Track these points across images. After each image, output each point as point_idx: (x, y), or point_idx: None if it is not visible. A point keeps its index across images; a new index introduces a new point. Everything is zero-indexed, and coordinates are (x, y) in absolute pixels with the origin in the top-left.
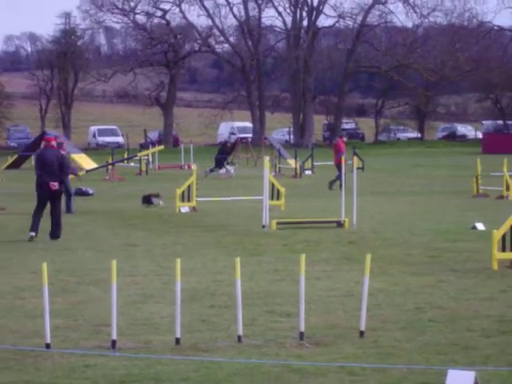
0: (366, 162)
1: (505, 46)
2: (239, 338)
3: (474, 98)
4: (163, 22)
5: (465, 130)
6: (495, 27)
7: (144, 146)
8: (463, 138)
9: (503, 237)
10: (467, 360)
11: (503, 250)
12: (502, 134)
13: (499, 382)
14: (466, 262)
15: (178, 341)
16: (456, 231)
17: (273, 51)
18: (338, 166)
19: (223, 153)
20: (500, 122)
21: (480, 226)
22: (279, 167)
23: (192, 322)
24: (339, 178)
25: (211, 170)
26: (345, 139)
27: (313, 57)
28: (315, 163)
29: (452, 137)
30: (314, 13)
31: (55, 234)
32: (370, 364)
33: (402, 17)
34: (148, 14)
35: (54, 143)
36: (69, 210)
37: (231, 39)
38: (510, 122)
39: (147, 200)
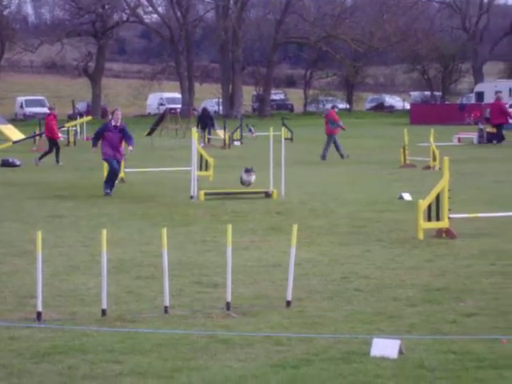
0: (295, 132)
1: (432, 17)
2: (166, 308)
3: (401, 69)
4: None
5: (393, 100)
6: None
7: (72, 117)
8: (391, 109)
9: (429, 207)
10: (392, 329)
11: (429, 219)
12: (430, 104)
13: (423, 349)
14: (392, 232)
15: (104, 312)
16: (383, 201)
17: (202, 22)
18: (329, 135)
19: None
20: (427, 93)
21: (407, 196)
22: (208, 138)
23: (118, 293)
24: (326, 147)
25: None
26: (336, 110)
27: (241, 27)
28: (258, 133)
29: (380, 108)
30: None
31: None
32: (296, 334)
33: None
34: None
35: None
36: None
37: (160, 9)
38: (437, 93)
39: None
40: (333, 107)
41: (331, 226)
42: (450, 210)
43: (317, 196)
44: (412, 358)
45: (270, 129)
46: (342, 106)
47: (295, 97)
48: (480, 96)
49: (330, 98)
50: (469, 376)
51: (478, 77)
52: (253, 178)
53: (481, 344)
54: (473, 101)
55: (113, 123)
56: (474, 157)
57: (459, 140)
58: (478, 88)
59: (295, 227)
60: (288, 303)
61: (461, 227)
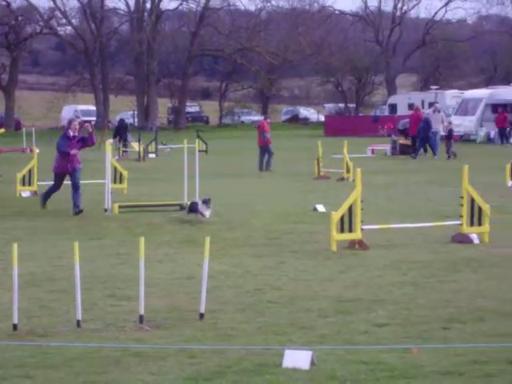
0: (211, 144)
1: (345, 30)
2: (78, 322)
3: (316, 82)
4: (4, 3)
5: (307, 112)
6: (336, 11)
7: None
8: (306, 121)
9: (341, 218)
10: (304, 340)
11: (341, 231)
12: (344, 116)
13: (335, 360)
14: (306, 244)
15: (15, 327)
16: (297, 213)
17: (116, 34)
18: (262, 147)
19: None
20: (341, 105)
21: (320, 208)
22: (123, 150)
23: (30, 307)
24: (260, 159)
25: None
26: (269, 120)
27: (156, 40)
28: (172, 146)
29: (295, 120)
30: None
31: None
32: (209, 346)
33: (244, 0)
34: None
35: None
36: None
37: (74, 21)
38: (351, 105)
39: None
40: (265, 118)
41: (245, 238)
42: (362, 221)
43: (231, 208)
44: (324, 369)
45: (184, 141)
46: (257, 118)
47: (210, 109)
48: (393, 108)
49: (246, 110)
50: None
51: (391, 89)
52: (208, 212)
53: (392, 354)
54: (386, 113)
55: (71, 133)
56: (387, 168)
57: (373, 152)
58: (391, 100)
59: (207, 239)
60: (201, 316)
61: (373, 238)
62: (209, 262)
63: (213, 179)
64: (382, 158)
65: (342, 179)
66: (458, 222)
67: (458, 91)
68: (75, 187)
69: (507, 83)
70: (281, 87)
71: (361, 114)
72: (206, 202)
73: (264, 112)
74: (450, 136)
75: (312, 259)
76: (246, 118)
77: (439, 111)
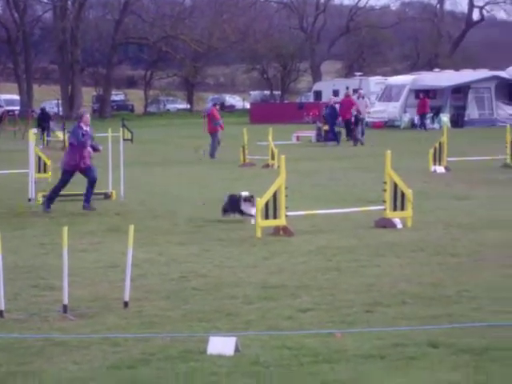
0: (136, 133)
1: (270, 17)
2: (1, 313)
3: (241, 69)
4: None
5: (233, 100)
6: None
7: None
8: (232, 109)
9: (266, 205)
10: (229, 326)
11: (266, 217)
12: (269, 103)
13: (259, 346)
14: (232, 231)
15: None
16: (223, 200)
17: (40, 22)
18: (212, 133)
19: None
20: (267, 92)
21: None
22: (47, 140)
23: None
24: (212, 145)
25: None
26: (218, 107)
27: (80, 28)
28: (97, 135)
29: (221, 107)
30: None
31: None
32: (134, 334)
33: None
34: None
35: None
36: None
37: None
38: (276, 93)
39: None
40: (214, 105)
41: (170, 226)
42: (287, 207)
43: (157, 196)
44: (248, 355)
45: (109, 130)
46: (183, 106)
47: (136, 97)
48: (318, 95)
49: (171, 99)
50: (303, 371)
51: (316, 76)
52: (253, 210)
53: (316, 339)
54: (311, 99)
55: (83, 127)
56: (312, 155)
57: (298, 138)
58: (316, 87)
59: (132, 228)
60: (126, 304)
61: (298, 224)
62: (133, 251)
63: (138, 168)
64: (307, 145)
65: (267, 166)
66: (382, 207)
67: (381, 77)
68: (92, 182)
69: (430, 69)
70: (206, 75)
71: (286, 101)
72: (248, 199)
73: (189, 100)
74: (356, 123)
75: (237, 246)
76: (171, 106)
77: (363, 97)
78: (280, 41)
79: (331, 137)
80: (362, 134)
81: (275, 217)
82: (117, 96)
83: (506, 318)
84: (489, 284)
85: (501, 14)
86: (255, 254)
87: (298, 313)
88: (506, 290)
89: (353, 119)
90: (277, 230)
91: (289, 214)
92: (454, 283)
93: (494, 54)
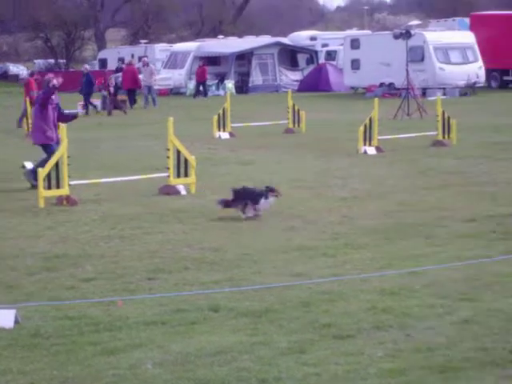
0: None
1: None
2: None
3: (24, 38)
4: None
5: (17, 69)
6: None
7: None
8: (16, 78)
9: (49, 175)
10: (10, 298)
11: (49, 187)
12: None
13: (40, 317)
14: (14, 202)
15: None
16: (6, 171)
17: None
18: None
19: None
20: (52, 60)
21: (29, 165)
22: None
23: None
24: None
25: None
26: (36, 77)
27: None
28: None
29: (5, 77)
30: None
31: None
32: None
33: None
34: None
35: None
36: None
37: None
38: (61, 61)
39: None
40: (32, 74)
41: None
42: (70, 177)
43: None
44: (28, 327)
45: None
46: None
47: None
48: (103, 63)
49: None
50: (84, 340)
51: (101, 44)
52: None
53: (98, 308)
54: (97, 68)
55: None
56: (98, 124)
57: (83, 107)
58: (102, 55)
59: None
60: None
61: (82, 194)
62: None
63: None
64: (92, 114)
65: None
66: (166, 174)
67: (167, 45)
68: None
69: (214, 36)
70: None
71: (72, 70)
72: (264, 194)
73: None
74: (115, 93)
75: (19, 216)
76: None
77: (148, 64)
78: (63, 8)
79: (85, 108)
80: (154, 101)
81: (58, 186)
82: None
83: (284, 280)
84: (269, 247)
85: None
86: (38, 224)
87: (80, 282)
88: (285, 252)
89: (112, 89)
90: (60, 200)
91: (72, 183)
92: (236, 247)
93: (276, 21)
